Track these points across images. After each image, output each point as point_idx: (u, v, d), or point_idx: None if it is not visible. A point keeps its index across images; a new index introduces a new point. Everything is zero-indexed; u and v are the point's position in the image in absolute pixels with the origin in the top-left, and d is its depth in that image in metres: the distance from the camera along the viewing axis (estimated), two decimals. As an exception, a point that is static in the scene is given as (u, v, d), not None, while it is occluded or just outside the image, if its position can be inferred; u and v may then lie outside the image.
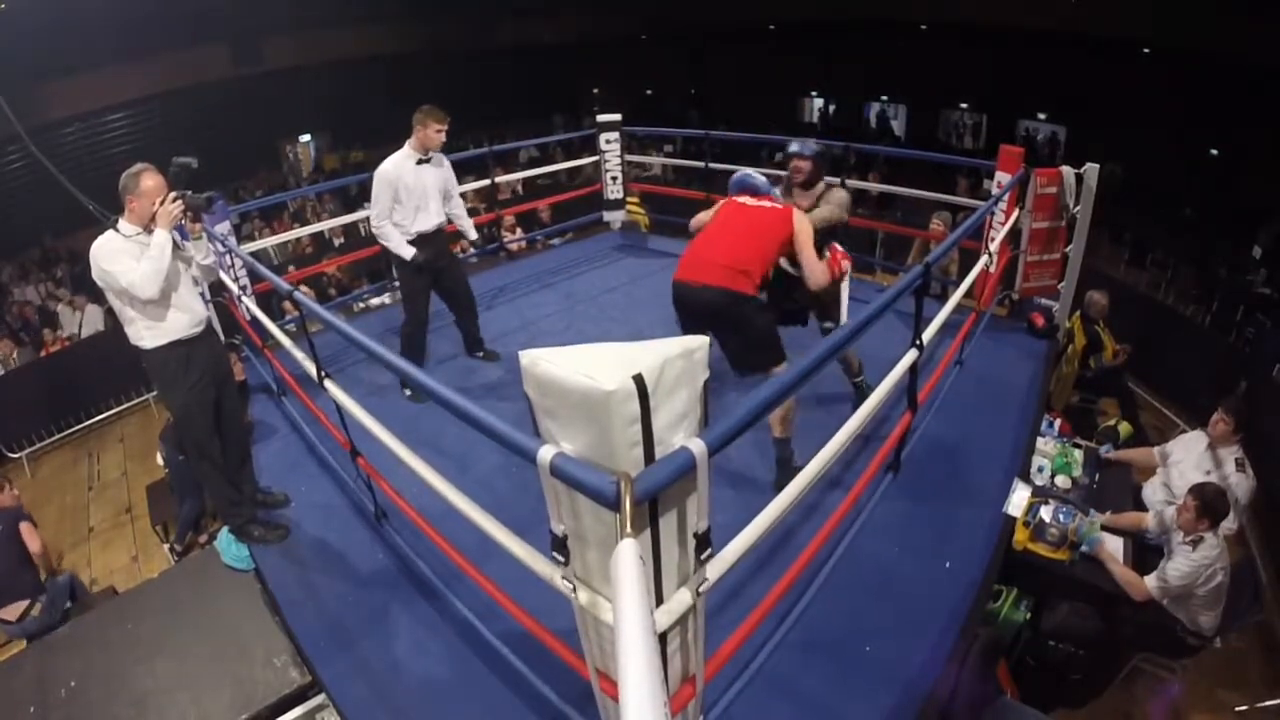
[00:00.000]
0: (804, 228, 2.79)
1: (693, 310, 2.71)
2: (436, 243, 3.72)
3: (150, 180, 2.46)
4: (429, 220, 3.64)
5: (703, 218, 3.03)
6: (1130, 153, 9.54)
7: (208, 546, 3.13)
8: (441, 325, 4.79)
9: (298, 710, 2.38)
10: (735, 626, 1.80)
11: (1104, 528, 3.04)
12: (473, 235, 4.12)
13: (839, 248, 2.95)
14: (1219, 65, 8.80)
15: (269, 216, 10.43)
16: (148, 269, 2.41)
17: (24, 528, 3.92)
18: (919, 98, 13.24)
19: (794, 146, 3.15)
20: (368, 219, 6.13)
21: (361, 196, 10.18)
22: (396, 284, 5.57)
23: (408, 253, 3.57)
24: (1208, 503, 2.75)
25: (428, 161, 3.56)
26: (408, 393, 3.72)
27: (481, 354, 4.20)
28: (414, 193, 3.53)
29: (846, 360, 3.32)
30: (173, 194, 2.48)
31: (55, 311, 8.56)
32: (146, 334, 2.53)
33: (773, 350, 2.73)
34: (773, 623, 2.15)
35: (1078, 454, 3.52)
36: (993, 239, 3.87)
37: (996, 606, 2.79)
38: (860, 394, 3.34)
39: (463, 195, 4.13)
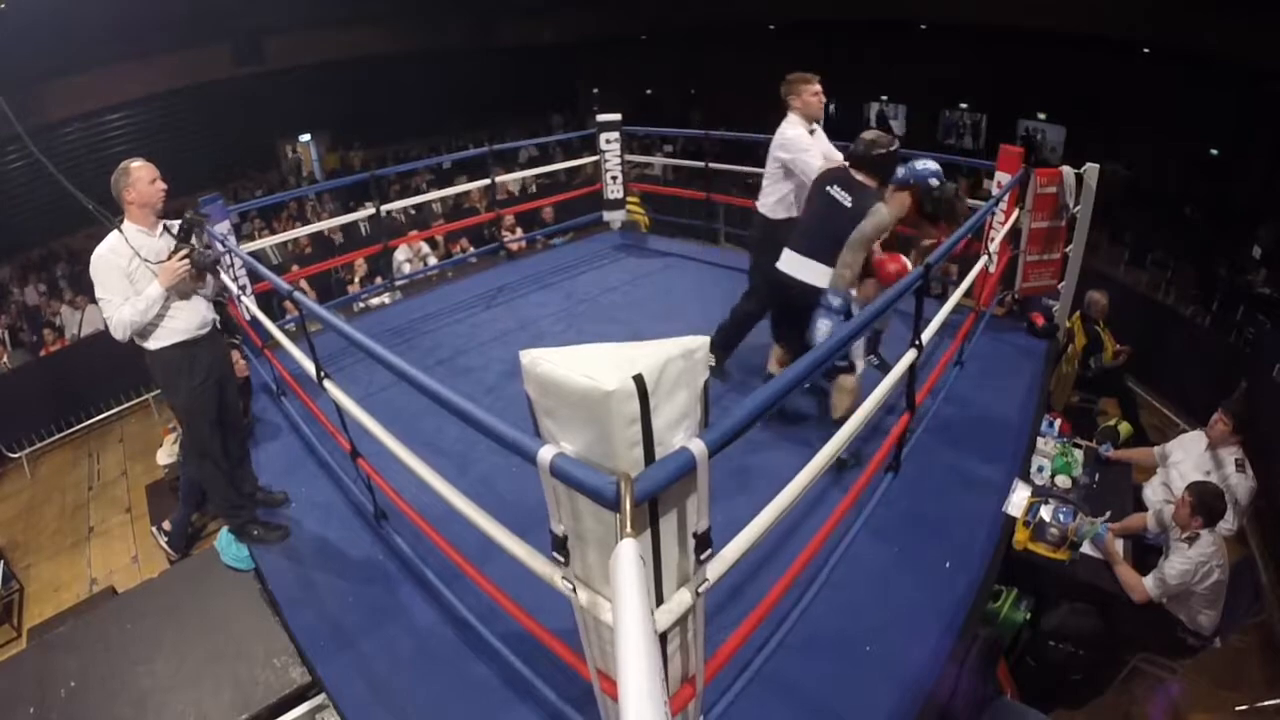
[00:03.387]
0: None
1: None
2: None
3: (139, 165, 2.46)
4: None
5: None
6: (1130, 153, 9.52)
7: (208, 547, 3.13)
8: (443, 324, 4.81)
9: (298, 710, 2.38)
10: (735, 626, 1.80)
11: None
12: None
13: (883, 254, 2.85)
14: (1219, 65, 8.80)
15: (269, 216, 10.43)
16: (127, 318, 2.42)
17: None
18: (919, 98, 13.22)
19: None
20: (368, 218, 6.12)
21: (362, 196, 10.17)
22: (397, 283, 5.64)
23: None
24: (1204, 500, 2.75)
25: (812, 133, 3.39)
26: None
27: None
28: None
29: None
30: (180, 252, 2.49)
31: (57, 312, 8.55)
32: (152, 334, 2.53)
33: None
34: (773, 623, 2.15)
35: (1078, 454, 3.52)
36: (993, 239, 3.87)
37: (996, 606, 2.80)
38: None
39: (462, 195, 4.09)
